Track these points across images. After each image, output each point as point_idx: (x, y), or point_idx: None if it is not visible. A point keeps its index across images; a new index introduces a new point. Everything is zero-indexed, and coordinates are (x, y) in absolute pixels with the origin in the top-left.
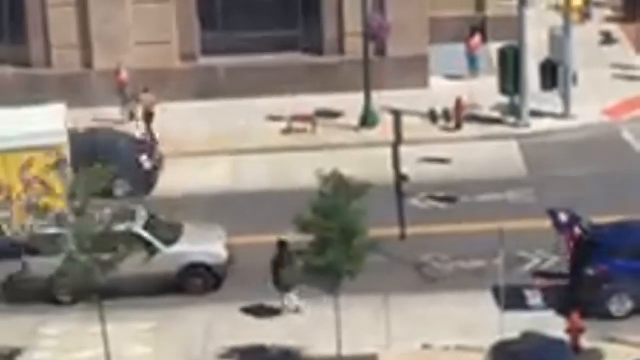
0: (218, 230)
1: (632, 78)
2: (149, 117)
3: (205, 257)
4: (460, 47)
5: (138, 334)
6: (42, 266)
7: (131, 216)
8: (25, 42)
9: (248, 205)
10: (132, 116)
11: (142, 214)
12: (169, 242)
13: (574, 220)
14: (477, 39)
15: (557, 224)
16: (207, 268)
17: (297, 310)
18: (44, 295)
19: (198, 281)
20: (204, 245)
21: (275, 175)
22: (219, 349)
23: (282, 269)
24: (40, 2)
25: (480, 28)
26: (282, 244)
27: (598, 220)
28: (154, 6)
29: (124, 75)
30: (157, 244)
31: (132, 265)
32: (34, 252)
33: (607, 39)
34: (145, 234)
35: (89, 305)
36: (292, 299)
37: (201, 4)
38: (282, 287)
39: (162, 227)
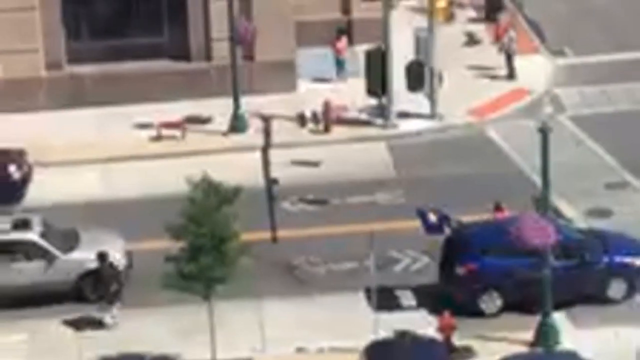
0: (115, 236)
1: (495, 78)
2: None
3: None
4: (327, 50)
5: (10, 345)
6: None
7: (27, 224)
8: None
9: (119, 214)
10: None
11: (38, 222)
12: (66, 250)
13: (443, 219)
14: (343, 41)
15: (426, 224)
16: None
17: (114, 324)
18: None
19: (96, 288)
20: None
21: (146, 182)
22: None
23: (104, 282)
24: None
25: (345, 30)
26: (101, 256)
27: (467, 219)
28: (18, 15)
29: None
30: (55, 251)
31: (30, 273)
32: None
33: (471, 39)
34: (43, 242)
35: None
36: (114, 313)
37: (66, 12)
38: (106, 300)
39: (59, 235)
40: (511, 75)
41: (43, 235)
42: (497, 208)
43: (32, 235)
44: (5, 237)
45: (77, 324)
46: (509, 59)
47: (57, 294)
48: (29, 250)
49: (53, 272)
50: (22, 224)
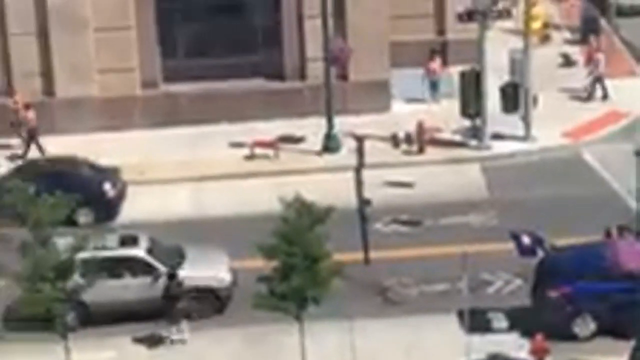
0: (220, 253)
1: (590, 100)
2: (34, 132)
3: (209, 281)
4: (421, 71)
5: None
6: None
7: (134, 241)
8: None
9: (211, 232)
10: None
11: (145, 239)
12: (173, 266)
13: (537, 242)
14: (436, 62)
15: (520, 247)
16: (212, 292)
17: (182, 342)
18: None
19: (202, 305)
20: (208, 268)
21: (238, 201)
22: None
23: (173, 300)
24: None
25: (439, 51)
26: (171, 276)
27: (560, 242)
28: (115, 34)
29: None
30: (162, 268)
31: (136, 289)
32: None
33: (566, 61)
34: (149, 258)
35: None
36: (182, 329)
37: (162, 31)
38: (174, 318)
39: (165, 252)
40: (605, 96)
41: (149, 251)
42: (608, 234)
43: (138, 252)
44: (112, 253)
45: (148, 341)
46: (598, 81)
47: (162, 310)
48: (136, 267)
49: (159, 288)
50: (130, 241)
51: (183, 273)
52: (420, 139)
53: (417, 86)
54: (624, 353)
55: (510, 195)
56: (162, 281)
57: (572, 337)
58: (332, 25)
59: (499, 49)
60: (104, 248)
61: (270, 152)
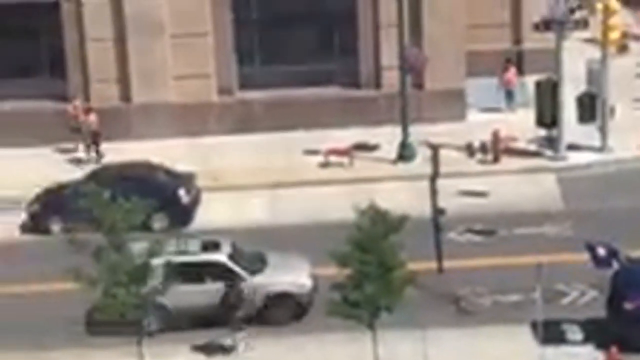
0: (301, 260)
1: None
2: (96, 136)
3: (290, 287)
4: (497, 80)
5: None
6: None
7: (216, 247)
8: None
9: (286, 239)
10: (88, 146)
11: (227, 244)
12: (254, 272)
13: (612, 253)
14: (512, 71)
15: (595, 258)
16: (292, 297)
17: (244, 349)
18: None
19: (283, 311)
20: (289, 274)
21: (313, 208)
22: None
23: (233, 307)
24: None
25: (514, 60)
26: (230, 285)
27: (636, 254)
28: (192, 40)
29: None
30: (243, 273)
31: (218, 294)
32: None
33: None
34: (231, 264)
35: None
36: (240, 337)
37: (238, 38)
38: (234, 325)
39: (247, 257)
40: None
41: (231, 257)
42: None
43: (220, 257)
44: (194, 259)
45: (206, 349)
46: None
47: (244, 317)
48: (217, 272)
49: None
50: (212, 246)
51: (262, 278)
52: (496, 149)
53: (492, 95)
54: None
55: (586, 206)
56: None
57: None
58: (408, 34)
59: (576, 58)
60: (187, 252)
61: (344, 160)
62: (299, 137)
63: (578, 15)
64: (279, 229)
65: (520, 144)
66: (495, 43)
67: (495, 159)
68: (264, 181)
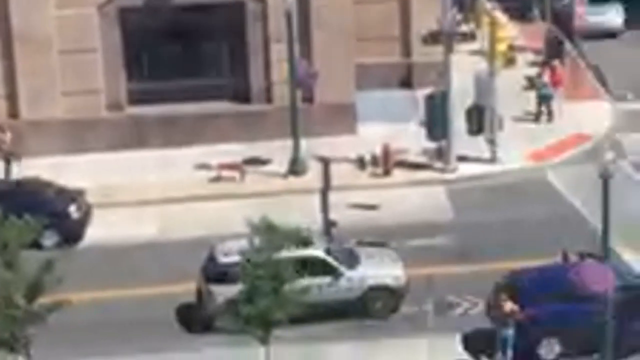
0: (391, 253)
1: (553, 122)
2: (10, 155)
3: (387, 280)
4: (387, 93)
5: None
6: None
7: (308, 242)
8: None
9: (177, 255)
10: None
11: (320, 240)
12: (351, 266)
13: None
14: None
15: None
16: (389, 290)
17: None
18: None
19: (380, 304)
20: (385, 267)
21: (204, 224)
22: None
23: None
24: None
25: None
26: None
27: (525, 264)
28: (80, 56)
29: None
30: (341, 268)
31: (315, 290)
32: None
33: (531, 83)
34: (329, 259)
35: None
36: None
37: (127, 53)
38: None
39: (341, 251)
40: (539, 118)
41: (328, 252)
42: (565, 257)
43: (318, 252)
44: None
45: None
46: (544, 102)
47: (341, 310)
48: (316, 267)
49: (338, 289)
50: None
51: (361, 271)
52: (386, 162)
53: (383, 109)
54: None
55: (476, 217)
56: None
57: None
58: (298, 48)
59: (464, 71)
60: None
61: (236, 174)
62: (189, 153)
63: (465, 28)
64: (171, 244)
65: (411, 157)
66: (384, 57)
67: (386, 172)
68: (155, 197)
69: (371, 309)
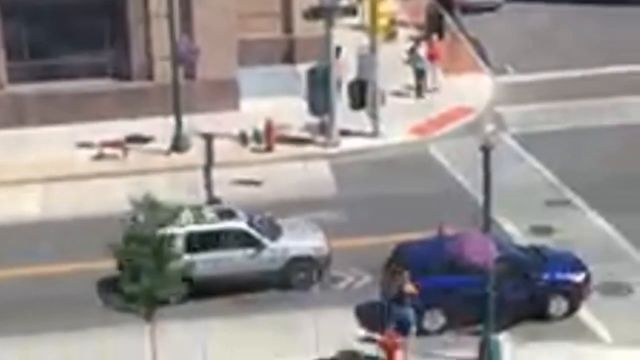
0: (312, 225)
1: (436, 95)
2: None
3: (309, 251)
4: (270, 69)
5: None
6: None
7: (232, 214)
8: None
9: (59, 234)
10: None
11: (241, 212)
12: (273, 237)
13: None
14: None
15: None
16: (312, 261)
17: None
18: None
19: (302, 275)
20: (307, 238)
21: (87, 202)
22: None
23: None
24: None
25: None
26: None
27: (409, 237)
28: None
29: None
30: (264, 239)
31: (238, 262)
32: None
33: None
34: (252, 230)
35: None
36: None
37: (6, 31)
38: None
39: (263, 223)
40: (419, 93)
41: (250, 224)
42: (440, 230)
43: (240, 224)
44: (215, 227)
45: None
46: (419, 76)
47: (264, 282)
48: (238, 239)
49: (260, 260)
50: (227, 214)
51: (283, 243)
52: (269, 137)
53: (265, 84)
54: (473, 347)
55: (359, 191)
56: (265, 253)
57: (422, 332)
58: (179, 25)
59: (346, 46)
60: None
61: (118, 152)
62: (71, 131)
63: (346, 2)
64: (53, 223)
65: (294, 132)
66: (266, 32)
67: (269, 148)
68: (36, 176)
69: (293, 279)
